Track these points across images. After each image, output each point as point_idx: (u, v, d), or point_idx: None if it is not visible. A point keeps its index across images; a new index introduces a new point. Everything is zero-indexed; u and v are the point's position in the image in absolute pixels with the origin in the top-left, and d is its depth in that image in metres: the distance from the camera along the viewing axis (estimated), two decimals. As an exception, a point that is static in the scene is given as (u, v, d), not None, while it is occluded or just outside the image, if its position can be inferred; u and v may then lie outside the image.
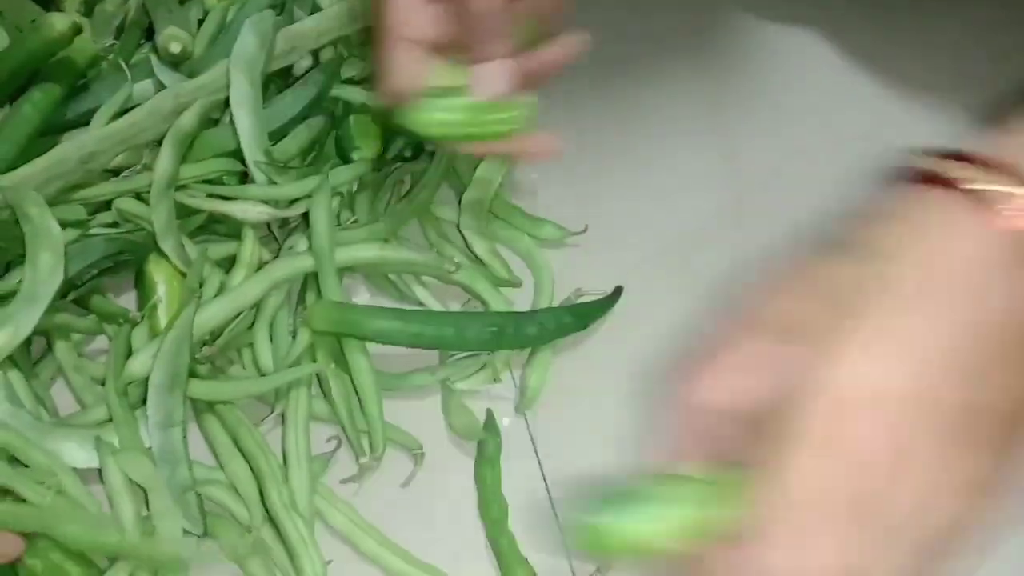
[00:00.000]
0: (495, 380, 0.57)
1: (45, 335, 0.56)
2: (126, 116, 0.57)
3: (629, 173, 0.65)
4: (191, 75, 0.62)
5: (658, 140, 0.66)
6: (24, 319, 0.51)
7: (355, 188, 0.62)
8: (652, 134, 0.66)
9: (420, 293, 0.59)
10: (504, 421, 0.56)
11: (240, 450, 0.53)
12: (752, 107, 0.67)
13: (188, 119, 0.57)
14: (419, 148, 0.63)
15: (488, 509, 0.53)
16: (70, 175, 0.56)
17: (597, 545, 0.35)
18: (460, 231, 0.61)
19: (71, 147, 0.56)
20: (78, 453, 0.51)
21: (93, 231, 0.57)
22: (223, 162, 0.59)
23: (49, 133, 0.58)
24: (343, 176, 0.60)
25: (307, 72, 0.62)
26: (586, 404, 0.57)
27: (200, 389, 0.53)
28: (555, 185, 0.64)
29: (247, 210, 0.57)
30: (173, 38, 0.61)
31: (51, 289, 0.52)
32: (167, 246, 0.56)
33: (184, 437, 0.52)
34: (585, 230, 0.61)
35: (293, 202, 0.59)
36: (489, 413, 0.56)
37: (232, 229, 0.59)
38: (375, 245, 0.58)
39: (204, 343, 0.54)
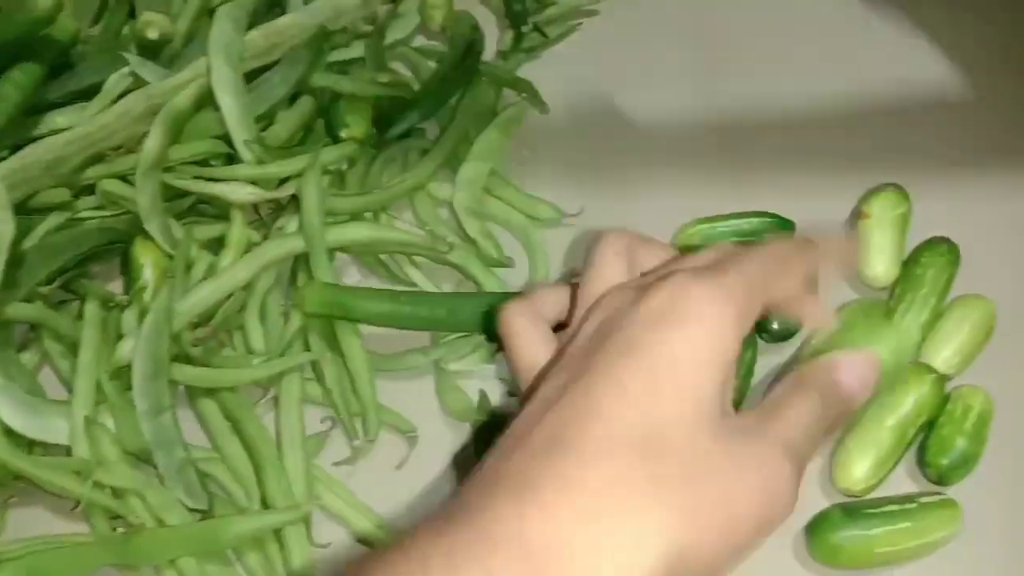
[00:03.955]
0: (489, 361, 0.56)
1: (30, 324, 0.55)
2: (95, 117, 0.56)
3: (628, 153, 0.64)
4: (172, 59, 0.61)
5: (658, 120, 0.66)
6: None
7: (345, 167, 0.61)
8: (652, 114, 0.66)
9: (413, 274, 0.59)
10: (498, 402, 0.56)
11: (240, 434, 0.52)
12: (752, 90, 0.67)
13: (183, 100, 0.56)
14: (413, 128, 0.63)
15: (483, 490, 0.53)
16: (36, 181, 0.55)
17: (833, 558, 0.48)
18: (453, 210, 0.60)
19: (36, 152, 0.54)
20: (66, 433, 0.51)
21: (80, 215, 0.56)
22: (210, 144, 0.58)
23: (31, 114, 0.57)
24: (332, 155, 0.59)
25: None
26: (580, 384, 0.57)
27: (192, 376, 0.53)
28: (551, 164, 0.64)
29: (236, 191, 0.56)
30: (150, 24, 0.59)
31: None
32: (152, 227, 0.55)
33: (175, 421, 0.51)
34: (581, 212, 0.61)
35: (282, 183, 0.58)
36: (482, 394, 0.56)
37: (220, 211, 0.59)
38: (367, 225, 0.57)
39: (197, 325, 0.53)
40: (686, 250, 0.58)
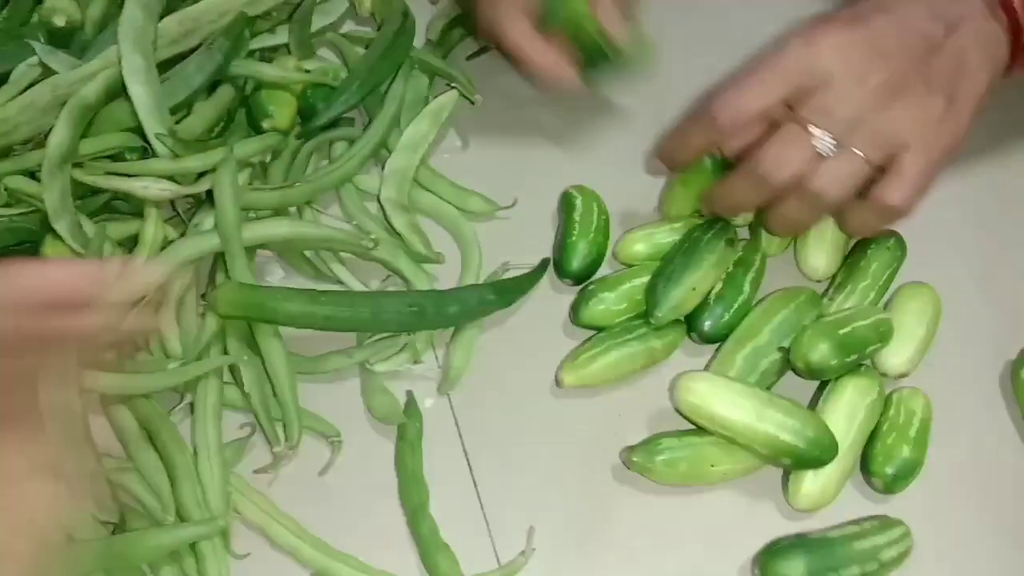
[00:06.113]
0: (416, 361, 0.55)
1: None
2: (-3, 110, 0.53)
3: (561, 145, 0.62)
4: (84, 48, 0.58)
5: (591, 113, 0.63)
6: None
7: (269, 159, 0.59)
8: (585, 107, 0.63)
9: (338, 271, 0.57)
10: (427, 403, 0.54)
11: (153, 443, 0.50)
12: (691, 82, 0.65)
13: (91, 90, 0.53)
14: (340, 117, 0.60)
15: (408, 495, 0.52)
16: (-65, 176, 0.52)
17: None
18: (380, 203, 0.58)
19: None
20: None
21: (-17, 213, 0.53)
22: (122, 137, 0.56)
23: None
24: (252, 147, 0.57)
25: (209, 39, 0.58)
26: (512, 383, 0.55)
27: (106, 381, 0.50)
28: (484, 156, 0.62)
29: (149, 187, 0.54)
30: (56, 10, 0.56)
31: None
32: (61, 226, 0.53)
33: (87, 429, 0.49)
34: (514, 204, 0.59)
35: (200, 178, 0.56)
36: (410, 395, 0.54)
37: (136, 208, 0.56)
38: (287, 221, 0.55)
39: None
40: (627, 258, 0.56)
